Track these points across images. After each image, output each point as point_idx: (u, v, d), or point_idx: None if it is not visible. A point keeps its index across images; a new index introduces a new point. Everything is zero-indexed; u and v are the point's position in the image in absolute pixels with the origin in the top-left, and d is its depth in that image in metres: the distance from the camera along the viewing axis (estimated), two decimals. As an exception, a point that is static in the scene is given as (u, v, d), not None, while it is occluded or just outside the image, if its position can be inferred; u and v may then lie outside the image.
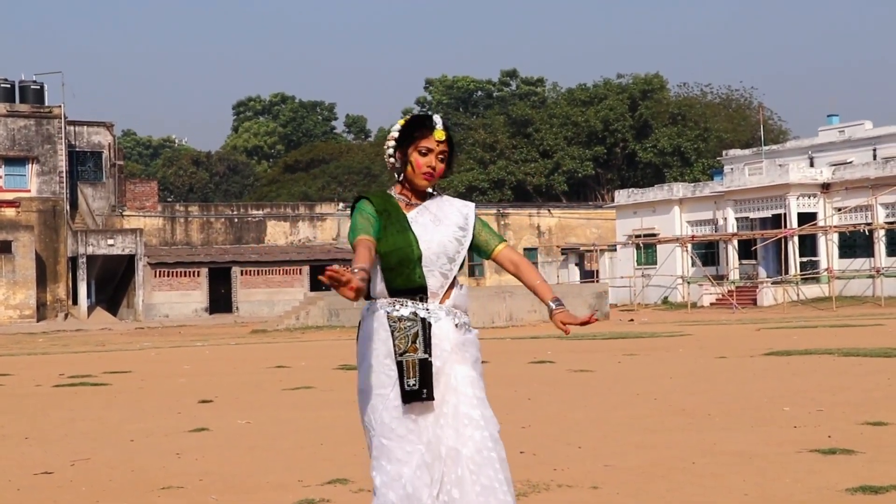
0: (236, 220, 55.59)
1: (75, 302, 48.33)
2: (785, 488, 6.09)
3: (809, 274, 44.03)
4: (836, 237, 44.09)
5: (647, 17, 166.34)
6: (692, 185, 51.91)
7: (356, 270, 3.49)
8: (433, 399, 3.79)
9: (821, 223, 44.25)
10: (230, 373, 16.44)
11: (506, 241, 4.09)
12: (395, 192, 4.00)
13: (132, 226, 51.38)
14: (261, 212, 56.68)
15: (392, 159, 3.98)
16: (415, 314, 3.86)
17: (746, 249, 46.78)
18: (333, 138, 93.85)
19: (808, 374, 13.09)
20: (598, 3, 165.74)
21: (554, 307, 3.96)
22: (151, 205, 54.07)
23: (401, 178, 3.97)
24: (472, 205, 4.11)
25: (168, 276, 49.29)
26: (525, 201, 66.01)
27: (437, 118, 3.96)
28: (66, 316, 47.70)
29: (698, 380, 12.91)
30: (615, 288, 48.09)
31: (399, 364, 3.80)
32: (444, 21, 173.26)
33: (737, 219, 46.86)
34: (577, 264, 57.70)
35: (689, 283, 47.14)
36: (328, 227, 56.80)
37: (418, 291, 3.87)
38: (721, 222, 47.70)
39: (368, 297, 3.93)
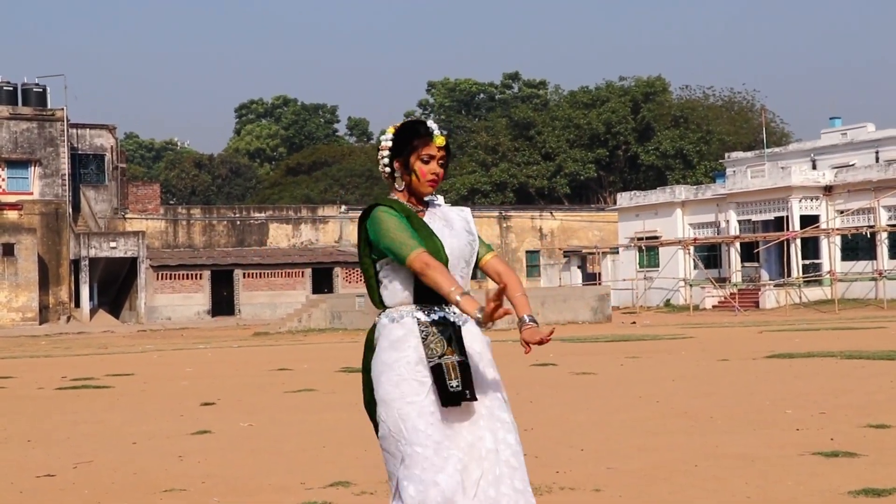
0: (238, 222, 55.62)
1: (77, 304, 48.37)
2: (787, 491, 6.09)
3: (812, 276, 44.01)
4: (838, 240, 44.06)
5: (649, 19, 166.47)
6: (694, 187, 51.91)
7: (466, 294, 3.65)
8: (476, 399, 3.77)
9: (823, 226, 44.23)
10: (232, 375, 16.44)
11: (493, 250, 4.08)
12: (401, 200, 3.95)
13: (134, 228, 51.43)
14: (263, 214, 56.71)
15: (389, 169, 3.94)
16: (445, 318, 3.85)
17: (749, 252, 46.77)
18: (335, 141, 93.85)
19: (811, 376, 13.08)
20: (600, 5, 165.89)
21: (527, 321, 3.83)
22: (154, 207, 54.09)
23: (401, 187, 3.94)
24: (468, 209, 4.12)
25: (170, 278, 49.33)
26: (527, 204, 66.02)
27: (432, 124, 3.93)
28: (69, 318, 47.73)
29: (700, 382, 12.91)
30: (617, 290, 48.05)
31: (437, 367, 3.75)
32: (445, 24, 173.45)
33: (739, 221, 46.85)
34: (579, 267, 57.68)
35: (691, 285, 47.12)
36: (330, 230, 56.82)
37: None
38: (723, 225, 47.68)
39: (381, 304, 3.91)
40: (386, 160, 3.95)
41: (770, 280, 44.82)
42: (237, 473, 7.24)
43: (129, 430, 9.80)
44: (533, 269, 59.48)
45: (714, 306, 44.85)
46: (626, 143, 69.47)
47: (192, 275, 49.73)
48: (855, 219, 43.85)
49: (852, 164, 47.06)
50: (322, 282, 51.55)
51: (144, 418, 10.72)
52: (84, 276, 47.72)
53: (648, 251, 50.58)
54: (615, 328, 30.74)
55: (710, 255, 48.94)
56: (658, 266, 49.86)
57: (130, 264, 48.75)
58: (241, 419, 10.35)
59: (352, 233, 55.91)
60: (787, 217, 44.38)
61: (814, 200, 44.75)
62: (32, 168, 49.15)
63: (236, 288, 50.53)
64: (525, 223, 60.21)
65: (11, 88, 50.23)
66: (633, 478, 6.63)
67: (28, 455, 8.41)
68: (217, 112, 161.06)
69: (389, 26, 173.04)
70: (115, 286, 50.24)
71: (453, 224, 3.96)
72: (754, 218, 46.36)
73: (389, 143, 3.94)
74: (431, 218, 3.94)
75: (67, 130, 49.98)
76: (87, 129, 52.88)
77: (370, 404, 3.91)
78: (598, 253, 54.73)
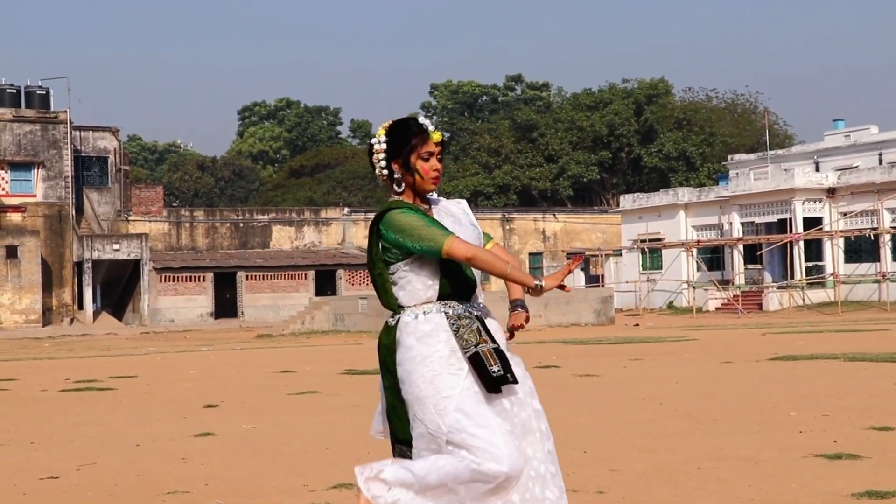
0: (241, 224, 55.65)
1: (81, 307, 48.42)
2: (790, 493, 6.09)
3: (815, 279, 43.99)
4: (841, 242, 44.05)
5: (652, 21, 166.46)
6: (697, 189, 51.90)
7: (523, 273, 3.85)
8: (518, 383, 3.79)
9: (826, 228, 44.21)
10: (235, 377, 16.45)
11: (493, 238, 4.13)
12: (407, 200, 3.95)
13: (138, 231, 51.46)
14: (266, 216, 56.73)
15: (387, 171, 3.92)
16: (469, 312, 3.87)
17: (752, 254, 46.75)
18: (338, 143, 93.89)
19: (814, 378, 13.07)
20: (603, 7, 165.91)
21: (517, 307, 4.06)
22: (157, 210, 54.14)
23: (402, 188, 3.93)
24: (465, 201, 4.14)
25: (173, 280, 49.36)
26: (530, 206, 66.03)
27: (424, 121, 3.92)
28: (72, 321, 47.77)
29: (704, 384, 12.90)
30: (620, 293, 48.05)
31: (475, 356, 3.75)
32: (449, 26, 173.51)
33: (742, 223, 46.83)
34: (582, 269, 57.67)
35: (694, 287, 47.10)
36: (333, 232, 56.83)
37: (470, 291, 3.90)
38: (726, 227, 47.66)
39: (398, 306, 3.90)
40: (383, 163, 3.91)
41: (773, 282, 44.80)
42: (240, 475, 7.24)
43: (133, 432, 9.80)
44: (536, 271, 59.49)
45: (717, 308, 44.84)
46: (629, 145, 69.46)
47: (195, 277, 49.76)
48: (858, 221, 43.82)
49: (855, 167, 47.03)
50: (325, 284, 51.56)
51: (147, 420, 10.73)
52: (87, 279, 47.77)
53: (651, 253, 50.56)
54: (618, 330, 30.73)
55: (713, 258, 48.93)
56: (661, 268, 49.85)
57: (134, 266, 48.80)
58: (244, 421, 10.35)
59: (354, 235, 55.96)
60: (791, 219, 44.36)
61: (817, 202, 44.73)
62: (36, 170, 49.23)
63: (239, 290, 50.55)
64: (528, 225, 60.22)
65: (15, 91, 50.32)
66: (636, 480, 6.63)
67: (31, 457, 8.41)
68: (220, 114, 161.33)
69: (392, 29, 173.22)
70: (118, 288, 50.29)
71: (460, 219, 3.98)
72: (757, 220, 46.34)
73: (384, 146, 3.91)
74: (439, 215, 3.94)
75: (71, 133, 50.05)
76: (91, 132, 52.96)
77: (394, 408, 3.86)
78: (602, 255, 54.74)
